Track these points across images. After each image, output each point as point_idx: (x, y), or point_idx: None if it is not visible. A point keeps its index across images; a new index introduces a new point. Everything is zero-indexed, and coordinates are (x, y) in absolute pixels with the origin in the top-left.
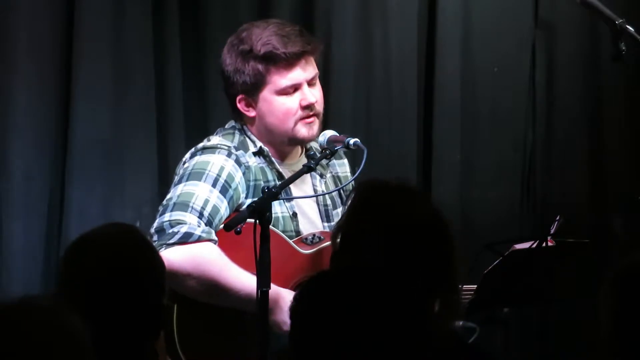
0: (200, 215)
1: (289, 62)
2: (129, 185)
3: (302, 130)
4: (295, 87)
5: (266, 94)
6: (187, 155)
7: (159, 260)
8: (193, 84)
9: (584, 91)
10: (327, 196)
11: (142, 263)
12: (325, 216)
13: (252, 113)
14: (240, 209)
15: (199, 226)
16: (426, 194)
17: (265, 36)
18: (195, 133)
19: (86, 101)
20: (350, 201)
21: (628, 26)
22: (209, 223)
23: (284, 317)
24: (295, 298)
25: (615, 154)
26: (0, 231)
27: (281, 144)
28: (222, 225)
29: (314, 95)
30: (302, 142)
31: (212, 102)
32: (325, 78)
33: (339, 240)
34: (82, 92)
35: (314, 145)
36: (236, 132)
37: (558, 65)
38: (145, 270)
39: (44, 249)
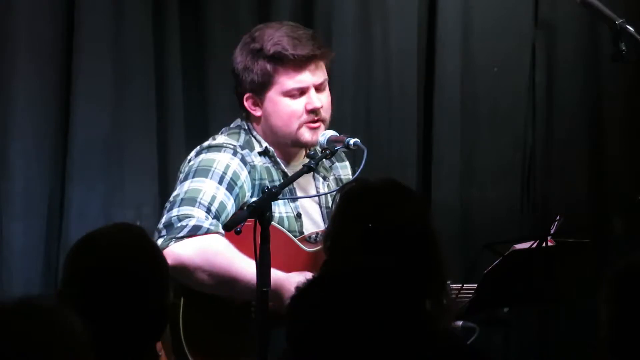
0: (208, 210)
1: (297, 64)
2: (129, 185)
3: (306, 135)
4: (302, 91)
5: (272, 95)
6: (193, 154)
7: (163, 262)
8: (193, 84)
9: (584, 91)
10: (329, 198)
11: (146, 264)
12: (328, 218)
13: (258, 112)
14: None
15: (206, 219)
16: (410, 191)
17: (276, 37)
18: (195, 133)
19: (86, 101)
20: (334, 205)
21: (628, 26)
22: (216, 218)
23: None
24: (292, 299)
25: (615, 154)
26: (0, 231)
27: (285, 145)
28: (222, 225)
29: (320, 100)
30: (306, 146)
31: (212, 102)
32: None
33: (329, 245)
34: (82, 92)
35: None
36: (242, 131)
37: (558, 65)
38: (149, 271)
39: (44, 249)
